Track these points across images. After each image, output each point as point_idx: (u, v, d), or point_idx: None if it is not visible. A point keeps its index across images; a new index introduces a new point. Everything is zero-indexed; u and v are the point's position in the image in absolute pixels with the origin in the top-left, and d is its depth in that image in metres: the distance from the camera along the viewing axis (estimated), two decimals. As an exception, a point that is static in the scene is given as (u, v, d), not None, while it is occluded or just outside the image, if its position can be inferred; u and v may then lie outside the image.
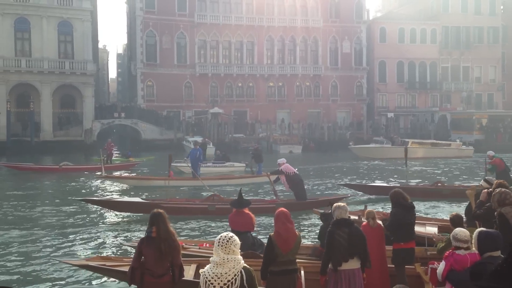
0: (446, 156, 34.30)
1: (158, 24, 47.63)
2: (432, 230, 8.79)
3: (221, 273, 3.91)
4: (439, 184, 15.90)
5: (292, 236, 5.43)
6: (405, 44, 54.59)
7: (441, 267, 4.72)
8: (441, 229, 8.64)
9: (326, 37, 52.47)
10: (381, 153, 34.64)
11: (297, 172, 13.84)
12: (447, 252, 4.84)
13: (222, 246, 3.96)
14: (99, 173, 20.58)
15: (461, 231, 4.72)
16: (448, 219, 7.05)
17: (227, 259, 3.94)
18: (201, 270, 4.05)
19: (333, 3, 52.53)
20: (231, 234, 4.10)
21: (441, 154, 34.84)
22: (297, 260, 6.83)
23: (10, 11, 39.12)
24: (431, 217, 11.00)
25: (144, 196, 15.85)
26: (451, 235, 4.91)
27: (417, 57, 54.83)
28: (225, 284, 3.90)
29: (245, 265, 4.07)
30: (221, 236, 4.03)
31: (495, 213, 5.60)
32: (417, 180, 21.69)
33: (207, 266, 4.01)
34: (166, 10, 47.72)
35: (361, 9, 53.85)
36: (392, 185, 18.62)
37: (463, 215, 7.11)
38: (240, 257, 4.06)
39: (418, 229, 8.73)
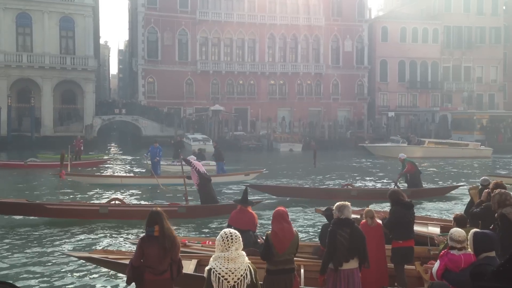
0: (463, 157, 33.86)
1: (159, 20, 47.60)
2: (435, 230, 8.78)
3: (234, 268, 3.95)
4: (349, 186, 15.76)
5: (288, 236, 5.40)
6: (406, 43, 54.55)
7: (435, 266, 4.74)
8: (444, 229, 8.63)
9: (328, 36, 52.42)
10: (396, 152, 34.57)
11: (207, 174, 13.21)
12: (443, 251, 4.85)
13: (236, 242, 4.00)
14: (58, 169, 20.02)
15: (456, 231, 4.72)
16: (450, 219, 7.04)
17: (238, 254, 3.99)
18: (208, 268, 4.03)
19: (335, 1, 52.46)
20: (235, 230, 4.13)
21: (459, 154, 34.41)
22: (298, 258, 6.84)
23: (12, 6, 39.11)
24: (434, 217, 10.96)
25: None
26: (448, 235, 4.92)
27: (418, 57, 54.79)
28: (238, 278, 3.95)
29: (248, 260, 4.13)
30: (230, 233, 4.04)
31: (496, 214, 5.55)
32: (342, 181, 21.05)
33: (214, 262, 3.99)
34: (168, 6, 47.68)
35: (363, 8, 53.78)
36: (298, 186, 17.96)
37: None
38: (244, 253, 4.12)
39: (420, 229, 8.73)
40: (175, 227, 10.87)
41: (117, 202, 12.52)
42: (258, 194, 15.77)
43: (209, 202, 12.76)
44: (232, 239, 4.01)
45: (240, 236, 4.08)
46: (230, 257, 3.95)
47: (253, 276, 4.04)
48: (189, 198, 13.50)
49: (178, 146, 25.38)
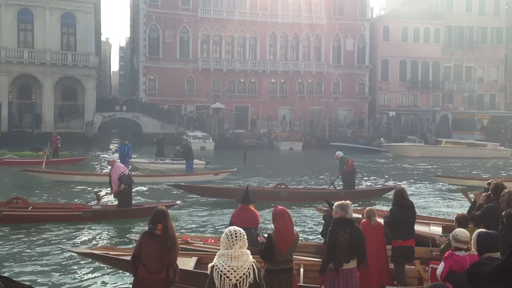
0: (482, 157, 33.39)
1: (161, 18, 47.55)
2: (437, 230, 8.77)
3: (237, 266, 3.93)
4: (283, 186, 15.10)
5: (291, 235, 5.40)
6: (408, 43, 54.48)
7: (440, 267, 4.68)
8: (446, 229, 8.62)
9: (330, 34, 52.37)
10: (413, 152, 34.62)
11: (130, 174, 12.31)
12: (447, 252, 4.80)
13: (240, 240, 3.99)
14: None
15: (461, 232, 4.68)
16: (453, 219, 7.01)
17: (242, 253, 3.97)
18: (211, 264, 4.04)
19: (337, 0, 52.39)
20: (240, 228, 4.12)
21: (477, 154, 33.95)
22: (298, 257, 6.84)
23: (14, 1, 39.05)
24: (435, 217, 10.92)
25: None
26: (451, 235, 4.87)
27: (420, 56, 54.74)
28: (240, 277, 3.93)
29: (253, 260, 4.13)
30: (235, 230, 4.04)
31: (503, 213, 5.50)
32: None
33: (217, 260, 3.99)
34: (170, 4, 47.64)
35: (365, 7, 53.71)
36: (226, 186, 16.74)
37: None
38: (249, 251, 4.11)
39: (422, 229, 8.73)
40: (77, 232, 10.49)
41: (19, 201, 11.83)
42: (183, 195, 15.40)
43: (126, 205, 12.04)
44: (236, 237, 4.00)
45: (245, 234, 4.08)
46: (234, 255, 3.94)
47: (257, 275, 4.02)
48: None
49: (161, 144, 24.82)
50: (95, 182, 17.93)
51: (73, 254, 8.32)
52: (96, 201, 12.20)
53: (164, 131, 41.55)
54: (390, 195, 15.92)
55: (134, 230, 11.10)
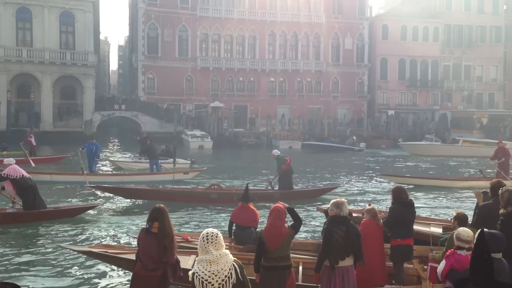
0: None
1: (160, 16, 47.51)
2: (437, 230, 8.76)
3: (217, 270, 3.87)
4: (216, 187, 14.19)
5: (280, 233, 5.41)
6: (407, 41, 54.47)
7: (441, 266, 4.67)
8: (446, 229, 8.61)
9: (329, 33, 52.35)
10: (430, 151, 34.63)
11: (28, 176, 11.42)
12: (449, 251, 4.79)
13: (213, 243, 3.91)
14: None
15: (464, 231, 4.67)
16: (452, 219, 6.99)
17: (220, 255, 3.91)
18: (190, 272, 3.97)
19: (336, -1, 52.44)
20: (215, 230, 4.05)
21: None
22: (297, 256, 6.82)
23: (12, 0, 39.00)
24: (436, 217, 10.91)
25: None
26: (454, 234, 4.86)
27: (419, 55, 54.73)
28: (223, 280, 3.88)
29: (234, 258, 4.08)
30: (207, 233, 3.96)
31: (501, 211, 5.47)
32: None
33: (197, 266, 3.92)
34: (169, 2, 47.60)
35: (364, 5, 53.72)
36: (154, 187, 15.70)
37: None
38: (228, 251, 4.04)
39: (423, 228, 8.72)
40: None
41: None
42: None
43: (34, 208, 11.21)
44: (207, 240, 3.93)
45: (218, 235, 3.99)
46: (212, 259, 3.88)
47: (239, 273, 3.97)
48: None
49: (145, 143, 24.34)
50: (60, 181, 17.48)
51: (70, 252, 8.30)
52: (12, 205, 11.40)
53: (163, 130, 41.67)
54: (327, 196, 14.85)
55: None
